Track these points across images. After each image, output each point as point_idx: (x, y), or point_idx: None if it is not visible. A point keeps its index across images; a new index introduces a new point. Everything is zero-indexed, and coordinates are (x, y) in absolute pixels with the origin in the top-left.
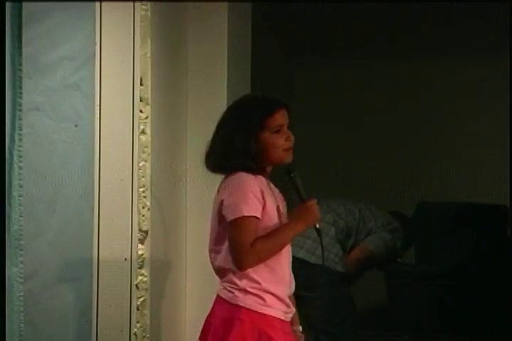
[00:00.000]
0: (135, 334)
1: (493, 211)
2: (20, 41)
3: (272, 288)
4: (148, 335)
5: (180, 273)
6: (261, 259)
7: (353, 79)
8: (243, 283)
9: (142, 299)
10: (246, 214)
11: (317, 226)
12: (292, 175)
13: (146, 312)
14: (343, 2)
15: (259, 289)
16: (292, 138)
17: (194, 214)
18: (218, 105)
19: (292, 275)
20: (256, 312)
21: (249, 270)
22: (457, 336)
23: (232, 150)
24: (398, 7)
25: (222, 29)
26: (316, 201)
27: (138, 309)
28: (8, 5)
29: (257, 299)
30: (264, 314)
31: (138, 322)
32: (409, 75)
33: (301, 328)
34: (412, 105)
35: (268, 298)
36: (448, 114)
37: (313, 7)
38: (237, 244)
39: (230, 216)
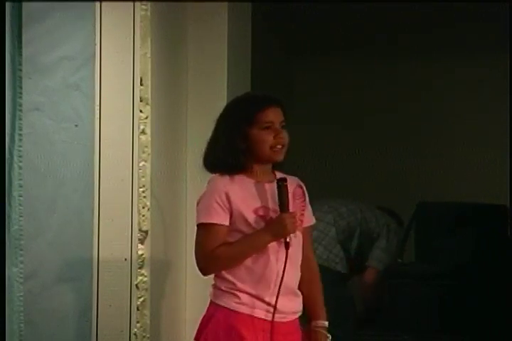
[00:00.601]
0: (135, 334)
1: (493, 211)
2: (20, 41)
3: (249, 288)
4: (148, 335)
5: (180, 273)
6: (223, 266)
7: (353, 79)
8: (219, 283)
9: (142, 299)
10: (203, 221)
11: (287, 239)
12: (280, 183)
13: (146, 312)
14: (343, 2)
15: (233, 289)
16: (284, 136)
17: (194, 214)
18: (218, 105)
19: (293, 277)
20: (230, 310)
21: (225, 271)
22: (457, 336)
23: (220, 147)
24: (398, 7)
25: (222, 29)
26: (292, 214)
27: (138, 309)
28: (8, 5)
29: (231, 297)
30: (239, 312)
31: (138, 322)
32: (409, 75)
33: (325, 323)
34: (412, 105)
35: (243, 296)
36: (448, 114)
37: (313, 7)
38: (196, 250)
39: (195, 221)
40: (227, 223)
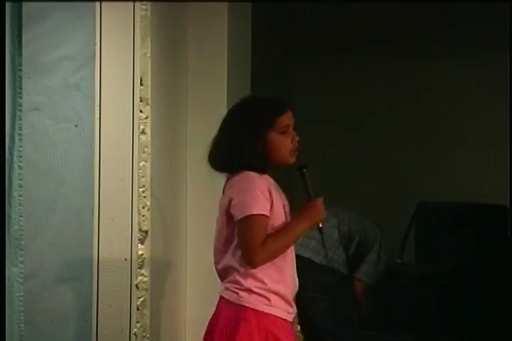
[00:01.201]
0: (135, 334)
1: (493, 211)
2: (20, 41)
3: (278, 288)
4: (148, 335)
5: (180, 273)
6: (271, 257)
7: (353, 79)
8: (248, 283)
9: (142, 299)
10: (255, 212)
11: (320, 225)
12: (304, 170)
13: (146, 312)
14: (343, 2)
15: (264, 289)
16: (297, 139)
17: (194, 214)
18: (218, 105)
19: (296, 275)
20: (261, 312)
21: (256, 269)
22: (457, 336)
23: (239, 149)
24: (398, 7)
25: (222, 29)
26: (322, 199)
27: (138, 309)
28: (8, 5)
29: (261, 299)
30: (270, 314)
31: (138, 322)
32: (409, 75)
33: (299, 328)
34: (412, 105)
35: (273, 297)
36: (448, 114)
37: (313, 7)
38: (247, 242)
39: (239, 214)
40: (269, 215)
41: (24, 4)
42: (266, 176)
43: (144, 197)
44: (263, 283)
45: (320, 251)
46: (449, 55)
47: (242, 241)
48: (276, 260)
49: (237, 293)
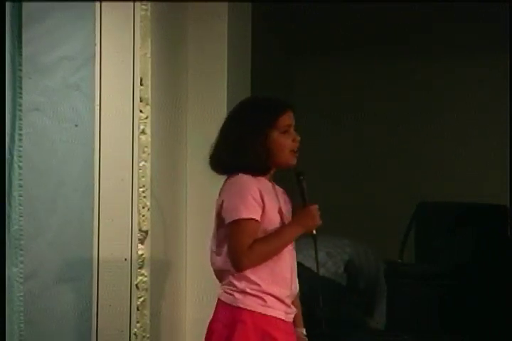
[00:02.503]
0: (135, 334)
1: (493, 211)
2: (20, 41)
3: (272, 289)
4: (148, 335)
5: (180, 273)
6: (258, 261)
7: (353, 79)
8: (242, 285)
9: (142, 299)
10: (244, 216)
11: (314, 232)
12: (301, 177)
13: (146, 312)
14: (343, 2)
15: (259, 290)
16: (298, 139)
17: (194, 214)
18: (218, 105)
19: (296, 276)
20: (257, 313)
21: (248, 271)
22: (457, 336)
23: (241, 149)
24: (398, 7)
25: (222, 29)
26: (317, 206)
27: (138, 309)
28: (8, 5)
29: (257, 300)
30: (266, 314)
31: (138, 322)
32: (409, 75)
33: (304, 330)
34: (412, 105)
35: (268, 298)
36: (448, 114)
37: (313, 7)
38: (234, 246)
39: (228, 218)
40: (259, 220)
41: (24, 4)
42: (262, 179)
43: (144, 197)
44: (257, 284)
45: (326, 263)
46: (449, 55)
47: (230, 245)
48: (269, 262)
49: (232, 295)
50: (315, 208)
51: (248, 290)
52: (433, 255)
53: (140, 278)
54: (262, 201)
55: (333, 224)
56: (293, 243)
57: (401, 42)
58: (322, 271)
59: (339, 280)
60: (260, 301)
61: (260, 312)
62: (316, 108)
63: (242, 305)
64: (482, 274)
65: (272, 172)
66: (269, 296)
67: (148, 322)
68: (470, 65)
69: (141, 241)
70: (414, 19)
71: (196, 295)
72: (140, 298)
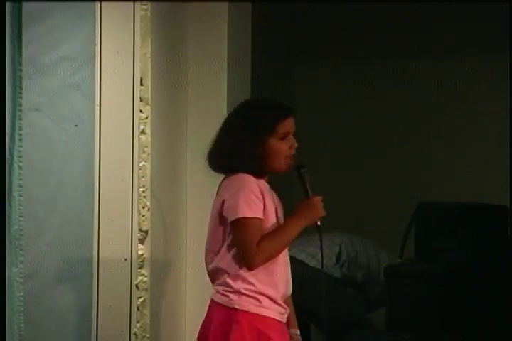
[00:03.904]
0: (135, 334)
1: (493, 211)
2: (20, 41)
3: (267, 291)
4: (148, 335)
5: (180, 273)
6: (269, 257)
7: (353, 79)
8: (237, 285)
9: (142, 299)
10: (248, 215)
11: (318, 223)
12: (302, 170)
13: (146, 312)
14: (343, 2)
15: (254, 291)
16: (296, 146)
17: (194, 214)
18: (218, 105)
19: (290, 276)
20: (252, 313)
21: (246, 272)
22: (457, 336)
23: (239, 151)
24: (398, 7)
25: (222, 29)
26: (321, 198)
27: (138, 309)
28: (8, 5)
29: (252, 300)
30: (261, 315)
31: (138, 322)
32: (410, 75)
33: (298, 331)
34: (412, 105)
35: (263, 299)
36: (448, 114)
37: (313, 7)
38: (244, 245)
39: (231, 217)
40: (262, 217)
41: (24, 4)
42: (260, 180)
43: (144, 197)
44: (253, 285)
45: (316, 255)
46: (449, 55)
47: (239, 244)
48: (267, 263)
49: (227, 296)
50: (318, 199)
51: (243, 291)
52: (433, 255)
53: (140, 278)
54: (263, 199)
55: (333, 224)
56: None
57: (401, 42)
58: (313, 263)
59: (332, 271)
60: (255, 302)
61: (255, 313)
62: (316, 108)
63: (237, 306)
64: (482, 274)
65: (267, 174)
66: (263, 297)
67: (148, 322)
68: (470, 64)
69: (141, 241)
70: (414, 19)
71: (196, 295)
72: (140, 298)
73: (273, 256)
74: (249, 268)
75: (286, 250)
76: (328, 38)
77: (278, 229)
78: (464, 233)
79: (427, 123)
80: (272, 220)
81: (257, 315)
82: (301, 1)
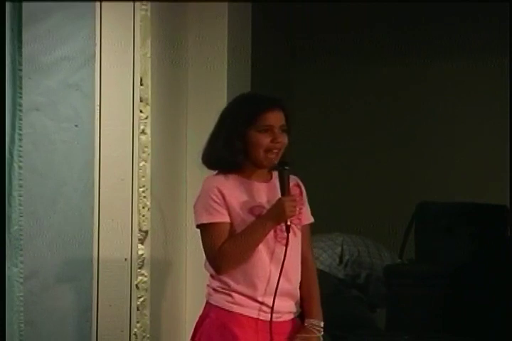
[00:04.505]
0: (135, 334)
1: (493, 211)
2: (20, 41)
3: (242, 289)
4: (148, 335)
5: (180, 273)
6: (234, 261)
7: (353, 79)
8: (214, 283)
9: (142, 299)
10: (204, 221)
11: (288, 223)
12: (285, 168)
13: (146, 312)
14: (344, 2)
15: (227, 289)
16: (282, 141)
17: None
18: (218, 105)
19: (288, 271)
20: (223, 309)
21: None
22: (457, 336)
23: (218, 144)
24: (399, 8)
25: (222, 29)
26: (292, 198)
27: (138, 309)
28: (8, 5)
29: (225, 296)
30: (232, 312)
31: (138, 322)
32: (410, 75)
33: (317, 322)
34: (412, 106)
35: (236, 296)
36: (448, 114)
37: (314, 7)
38: (205, 250)
39: (195, 223)
40: (228, 219)
41: (24, 4)
42: (234, 176)
43: (144, 197)
44: (226, 284)
45: (319, 256)
46: (449, 54)
47: (204, 250)
48: (242, 264)
49: (208, 292)
50: (288, 199)
51: (217, 288)
52: (433, 255)
53: (140, 278)
54: (224, 201)
55: (333, 224)
56: (271, 238)
57: (401, 43)
58: (317, 264)
59: (336, 272)
60: (228, 298)
61: (225, 309)
62: (316, 108)
63: (212, 302)
64: (482, 274)
65: (251, 168)
66: (237, 294)
67: (148, 322)
68: (470, 65)
69: (141, 241)
70: (414, 20)
71: (196, 295)
72: (140, 298)
73: (239, 258)
74: (218, 273)
75: (283, 248)
76: (328, 38)
77: (242, 231)
78: (464, 233)
79: (427, 123)
80: (240, 220)
81: (227, 310)
82: (302, 1)
